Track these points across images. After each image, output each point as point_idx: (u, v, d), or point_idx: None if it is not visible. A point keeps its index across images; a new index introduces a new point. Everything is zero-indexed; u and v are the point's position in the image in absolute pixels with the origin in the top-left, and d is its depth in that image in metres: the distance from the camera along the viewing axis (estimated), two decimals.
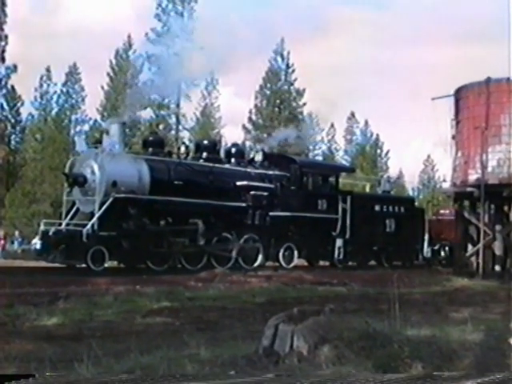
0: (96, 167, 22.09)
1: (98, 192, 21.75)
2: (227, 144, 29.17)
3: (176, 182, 23.49)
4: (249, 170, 26.79)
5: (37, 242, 28.86)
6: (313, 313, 7.28)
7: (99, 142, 23.67)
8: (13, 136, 62.86)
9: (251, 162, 27.80)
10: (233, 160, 26.94)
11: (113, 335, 9.99)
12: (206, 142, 28.75)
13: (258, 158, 27.96)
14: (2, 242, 40.52)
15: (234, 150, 28.01)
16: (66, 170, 23.61)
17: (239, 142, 40.91)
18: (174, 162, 24.50)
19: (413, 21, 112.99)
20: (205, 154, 25.95)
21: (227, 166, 26.39)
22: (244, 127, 63.34)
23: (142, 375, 6.31)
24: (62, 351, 8.19)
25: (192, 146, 28.27)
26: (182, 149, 26.27)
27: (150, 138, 27.17)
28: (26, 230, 49.94)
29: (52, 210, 49.48)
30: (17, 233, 48.59)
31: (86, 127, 63.21)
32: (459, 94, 29.90)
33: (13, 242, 46.99)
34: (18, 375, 6.01)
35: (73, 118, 63.60)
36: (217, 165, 25.52)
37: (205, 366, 6.54)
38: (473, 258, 29.29)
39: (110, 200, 21.46)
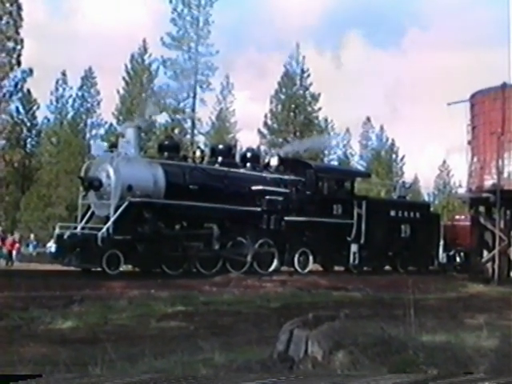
0: (111, 171, 22.10)
1: (113, 196, 21.75)
2: (242, 148, 29.06)
3: (191, 187, 23.42)
4: (264, 174, 26.66)
5: (52, 246, 29.10)
6: (328, 318, 7.23)
7: (115, 145, 23.69)
8: (28, 139, 63.44)
9: (266, 166, 27.69)
10: (248, 164, 26.78)
11: (127, 339, 10.00)
12: (221, 146, 28.60)
13: (274, 162, 27.84)
14: (18, 245, 40.62)
15: (249, 154, 27.79)
16: (82, 174, 23.58)
17: (254, 146, 40.89)
18: (189, 166, 24.45)
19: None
20: (220, 159, 25.89)
21: (242, 170, 26.30)
22: (259, 132, 63.48)
23: (154, 378, 6.30)
24: (76, 355, 8.20)
25: (207, 151, 28.31)
26: (198, 153, 26.25)
27: (166, 143, 27.07)
28: (41, 234, 50.23)
29: (67, 214, 49.76)
30: (32, 236, 48.81)
31: (102, 131, 63.74)
32: (475, 99, 29.81)
33: (28, 245, 47.23)
34: (25, 375, 6.01)
35: (88, 121, 64.09)
36: (232, 169, 25.47)
37: (219, 370, 6.52)
38: (488, 264, 29.19)
39: (126, 204, 21.44)
